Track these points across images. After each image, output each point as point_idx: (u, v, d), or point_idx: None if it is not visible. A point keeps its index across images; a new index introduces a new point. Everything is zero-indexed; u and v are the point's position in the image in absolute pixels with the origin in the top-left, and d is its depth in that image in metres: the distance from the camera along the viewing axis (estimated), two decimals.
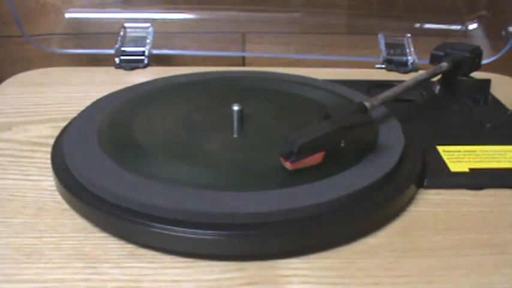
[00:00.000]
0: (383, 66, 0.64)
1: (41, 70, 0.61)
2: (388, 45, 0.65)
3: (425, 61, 0.56)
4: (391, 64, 0.64)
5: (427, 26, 0.70)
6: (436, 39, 0.56)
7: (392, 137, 0.42)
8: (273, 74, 0.55)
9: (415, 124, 0.45)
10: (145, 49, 0.64)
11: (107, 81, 0.58)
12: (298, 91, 0.51)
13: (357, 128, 0.38)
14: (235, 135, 0.43)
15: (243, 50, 0.71)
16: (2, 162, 0.43)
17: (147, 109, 0.46)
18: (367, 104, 0.42)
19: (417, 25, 0.70)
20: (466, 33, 0.69)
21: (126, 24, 0.66)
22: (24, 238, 0.34)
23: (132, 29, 0.66)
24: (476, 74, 0.54)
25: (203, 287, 0.31)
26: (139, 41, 0.65)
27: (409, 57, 0.64)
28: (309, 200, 0.34)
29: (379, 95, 0.45)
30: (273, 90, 0.51)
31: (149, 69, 0.62)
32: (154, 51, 0.64)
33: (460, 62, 0.52)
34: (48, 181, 0.40)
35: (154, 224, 0.33)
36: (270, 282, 0.31)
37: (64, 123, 0.46)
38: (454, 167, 0.41)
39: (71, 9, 0.68)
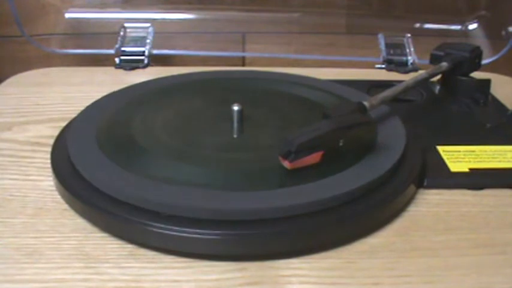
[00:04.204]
0: (383, 66, 0.64)
1: (41, 70, 0.61)
2: (388, 45, 0.65)
3: (425, 61, 0.56)
4: (391, 64, 0.64)
5: (427, 26, 0.70)
6: (436, 39, 0.56)
7: (394, 137, 0.42)
8: (272, 73, 0.55)
9: (415, 124, 0.45)
10: (145, 49, 0.64)
11: (107, 81, 0.58)
12: (298, 91, 0.51)
13: (356, 128, 0.38)
14: (235, 135, 0.43)
15: (243, 50, 0.71)
16: (2, 162, 0.43)
17: (147, 109, 0.46)
18: (366, 103, 0.42)
19: (417, 25, 0.70)
20: (466, 33, 0.69)
21: (126, 24, 0.66)
22: (24, 238, 0.34)
23: (132, 29, 0.66)
24: (476, 74, 0.54)
25: (203, 287, 0.31)
26: (139, 41, 0.65)
27: (409, 57, 0.64)
28: (309, 200, 0.34)
29: (379, 94, 0.45)
30: (273, 90, 0.51)
31: (149, 69, 0.62)
32: (154, 51, 0.64)
33: (460, 62, 0.52)
34: (48, 181, 0.40)
35: (154, 223, 0.33)
36: (270, 282, 0.31)
37: (64, 123, 0.46)
38: (454, 167, 0.41)
39: (71, 9, 0.68)
